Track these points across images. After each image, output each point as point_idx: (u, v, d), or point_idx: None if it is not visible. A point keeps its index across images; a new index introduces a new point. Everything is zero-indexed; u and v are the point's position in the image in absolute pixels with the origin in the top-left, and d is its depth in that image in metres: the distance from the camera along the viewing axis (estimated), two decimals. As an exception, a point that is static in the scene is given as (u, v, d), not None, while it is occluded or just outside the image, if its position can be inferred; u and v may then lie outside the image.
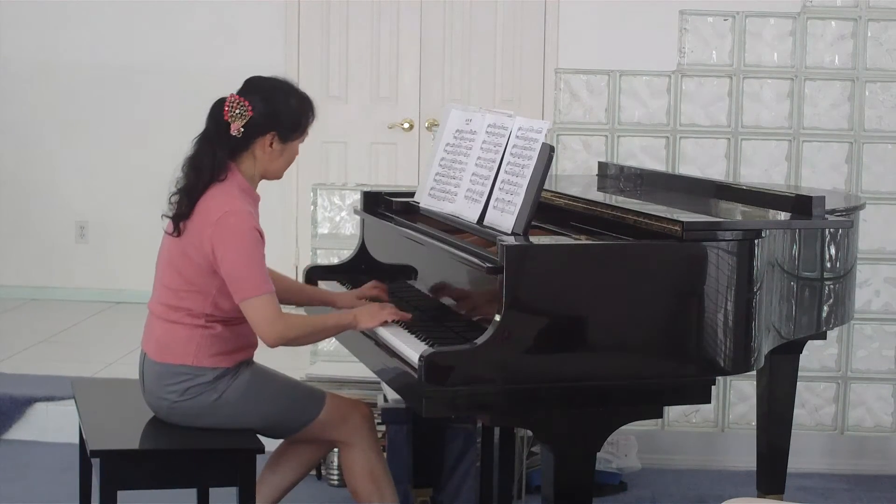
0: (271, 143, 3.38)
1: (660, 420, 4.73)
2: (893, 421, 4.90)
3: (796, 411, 4.20)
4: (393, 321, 3.33)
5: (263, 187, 3.49)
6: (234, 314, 3.36)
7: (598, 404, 2.98)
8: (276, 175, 3.47)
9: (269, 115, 3.36)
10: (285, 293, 3.61)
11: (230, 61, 6.56)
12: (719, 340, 3.03)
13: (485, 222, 3.29)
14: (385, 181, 6.82)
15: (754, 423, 4.22)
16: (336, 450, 4.09)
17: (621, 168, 4.42)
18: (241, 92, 3.38)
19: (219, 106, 3.37)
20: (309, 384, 3.65)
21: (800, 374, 4.10)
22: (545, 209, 3.46)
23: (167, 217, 3.38)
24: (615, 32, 4.92)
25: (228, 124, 3.33)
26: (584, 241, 3.16)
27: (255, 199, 3.42)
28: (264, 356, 3.54)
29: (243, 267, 3.25)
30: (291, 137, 3.41)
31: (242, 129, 3.33)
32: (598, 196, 3.92)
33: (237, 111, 3.33)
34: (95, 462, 3.26)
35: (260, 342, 3.49)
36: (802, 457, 4.78)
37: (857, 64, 4.81)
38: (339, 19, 6.93)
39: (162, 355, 3.37)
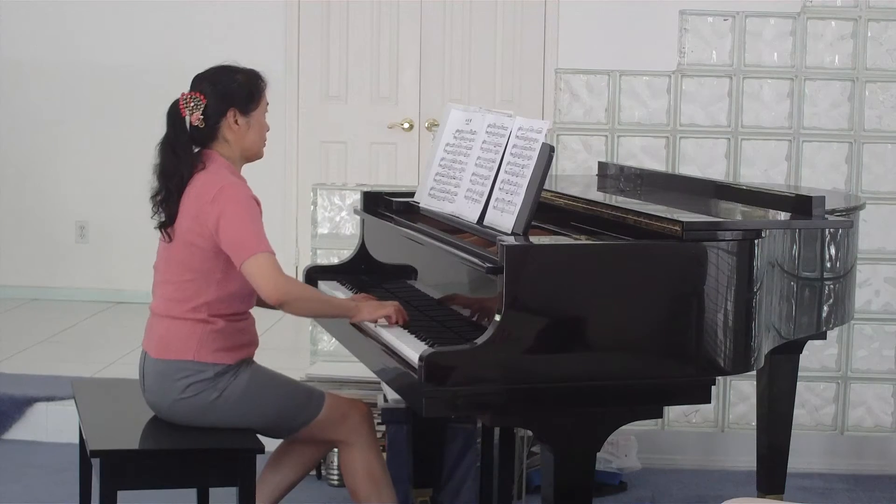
0: (235, 120, 3.43)
1: (660, 420, 4.73)
2: (893, 421, 4.90)
3: (796, 411, 4.20)
4: (391, 320, 3.34)
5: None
6: (237, 306, 3.38)
7: (598, 404, 2.98)
8: (255, 152, 3.50)
9: (221, 96, 3.43)
10: None
11: (230, 61, 6.55)
12: (719, 340, 3.03)
13: (485, 222, 3.28)
14: (385, 181, 6.82)
15: (754, 423, 4.22)
16: (336, 450, 4.09)
17: (621, 168, 4.42)
18: (190, 88, 3.46)
19: (174, 107, 3.45)
20: (308, 384, 3.65)
21: (800, 374, 4.10)
22: (545, 209, 3.46)
23: (158, 229, 3.44)
24: (615, 32, 4.92)
25: (187, 121, 3.41)
26: (584, 241, 3.16)
27: (244, 181, 3.46)
28: (264, 356, 3.55)
29: (242, 229, 3.28)
30: (251, 108, 3.46)
31: (202, 118, 3.41)
32: (598, 196, 3.92)
33: (192, 104, 3.41)
34: (95, 462, 3.26)
35: (264, 342, 3.50)
36: (802, 457, 4.78)
37: (857, 64, 4.81)
38: (339, 19, 6.93)
39: (163, 352, 3.37)
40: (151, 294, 3.49)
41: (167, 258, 3.43)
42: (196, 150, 3.44)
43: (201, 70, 3.53)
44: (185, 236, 3.36)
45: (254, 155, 3.50)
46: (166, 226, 3.39)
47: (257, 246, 3.27)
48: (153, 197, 3.41)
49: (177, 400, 3.35)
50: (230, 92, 3.43)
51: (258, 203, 3.38)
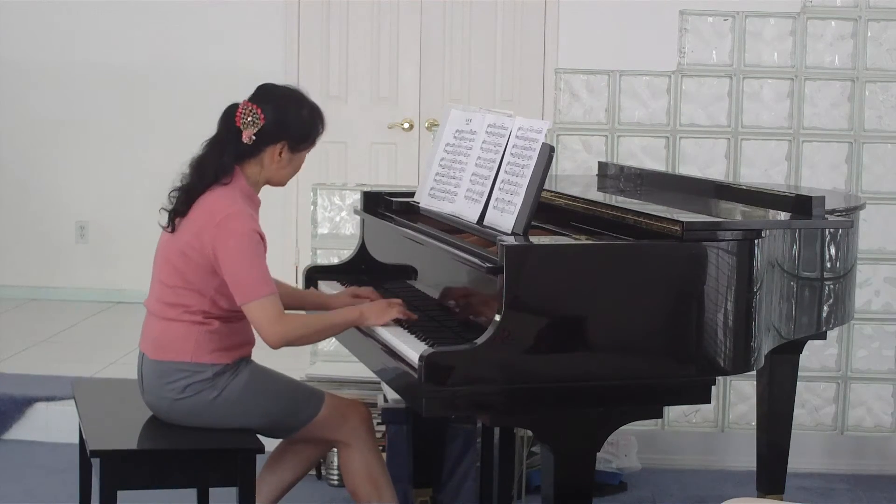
0: (280, 153, 3.39)
1: (660, 420, 4.73)
2: (893, 421, 4.90)
3: (796, 411, 4.20)
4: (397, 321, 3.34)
5: (263, 187, 3.50)
6: (231, 312, 3.36)
7: (598, 404, 2.98)
8: (281, 182, 3.49)
9: (280, 125, 3.37)
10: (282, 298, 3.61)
11: (230, 61, 6.56)
12: (719, 340, 3.03)
13: (485, 222, 3.28)
14: (385, 181, 6.82)
15: (754, 423, 4.22)
16: (335, 450, 4.08)
17: (621, 168, 4.42)
18: (252, 99, 3.39)
19: (231, 111, 3.38)
20: (308, 384, 3.65)
21: (800, 374, 4.10)
22: (545, 209, 3.46)
23: (165, 210, 3.40)
24: (615, 32, 4.93)
25: (240, 131, 3.35)
26: (584, 241, 3.16)
27: (256, 204, 3.44)
28: (264, 356, 3.55)
29: (244, 270, 3.26)
30: (301, 148, 3.43)
31: (254, 137, 3.35)
32: (598, 196, 3.92)
33: (249, 119, 3.34)
34: (95, 462, 3.26)
35: (261, 342, 3.50)
36: (802, 457, 4.78)
37: (857, 64, 4.81)
38: (339, 19, 6.93)
39: (160, 353, 3.37)
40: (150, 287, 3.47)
41: (165, 258, 3.40)
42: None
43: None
44: (183, 246, 3.34)
45: (278, 184, 3.48)
46: (178, 215, 3.36)
47: (257, 290, 3.25)
48: (181, 186, 3.37)
49: (175, 400, 3.35)
50: (290, 124, 3.38)
51: (262, 238, 3.32)
